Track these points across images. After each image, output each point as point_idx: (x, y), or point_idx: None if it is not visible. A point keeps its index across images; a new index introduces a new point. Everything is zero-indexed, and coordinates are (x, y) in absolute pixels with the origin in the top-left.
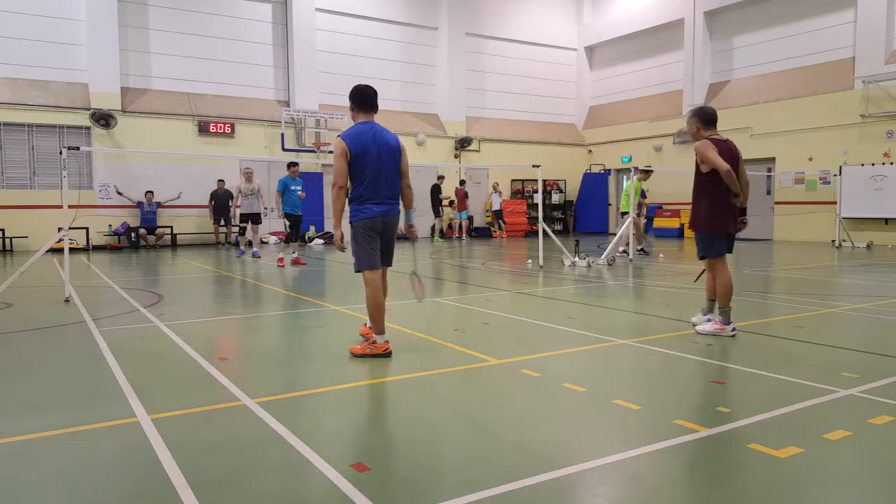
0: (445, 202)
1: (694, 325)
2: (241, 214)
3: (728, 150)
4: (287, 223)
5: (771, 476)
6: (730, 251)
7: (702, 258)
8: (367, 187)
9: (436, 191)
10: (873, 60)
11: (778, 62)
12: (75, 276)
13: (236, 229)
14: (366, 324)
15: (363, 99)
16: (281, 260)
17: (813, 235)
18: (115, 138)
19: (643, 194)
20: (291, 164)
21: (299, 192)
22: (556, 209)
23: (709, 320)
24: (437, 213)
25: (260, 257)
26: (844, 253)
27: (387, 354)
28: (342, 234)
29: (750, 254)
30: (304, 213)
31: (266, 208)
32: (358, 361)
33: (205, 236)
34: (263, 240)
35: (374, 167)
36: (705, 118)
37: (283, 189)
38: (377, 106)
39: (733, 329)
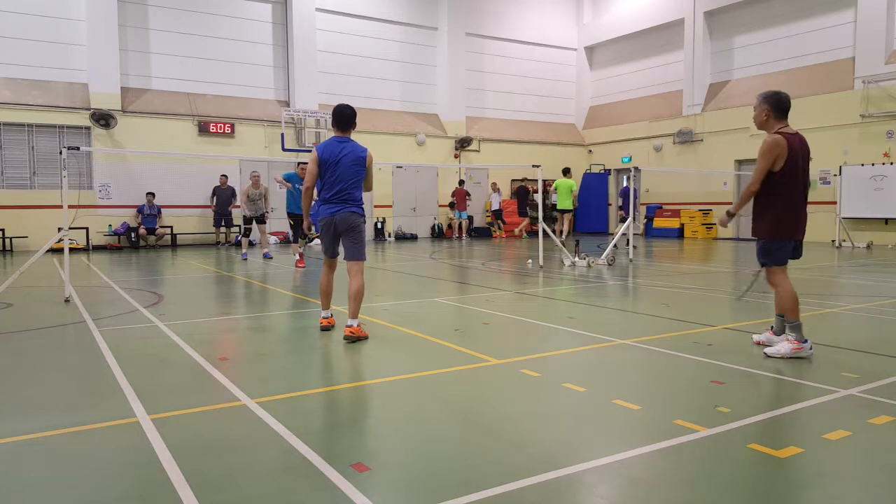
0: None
1: (759, 343)
2: (246, 216)
3: (801, 147)
4: (291, 222)
5: (771, 476)
6: (798, 256)
7: (762, 266)
8: (326, 190)
9: (524, 192)
10: (873, 60)
11: (778, 62)
12: (75, 276)
13: (236, 229)
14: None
15: (336, 118)
16: (300, 259)
17: (813, 235)
18: (115, 138)
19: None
20: (303, 165)
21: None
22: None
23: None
24: (526, 214)
25: (272, 258)
26: (844, 253)
27: (322, 327)
28: (310, 223)
29: (750, 253)
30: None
31: (270, 210)
32: (357, 361)
33: (205, 236)
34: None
35: (334, 172)
36: (778, 105)
37: (289, 180)
38: (354, 124)
39: (811, 347)
